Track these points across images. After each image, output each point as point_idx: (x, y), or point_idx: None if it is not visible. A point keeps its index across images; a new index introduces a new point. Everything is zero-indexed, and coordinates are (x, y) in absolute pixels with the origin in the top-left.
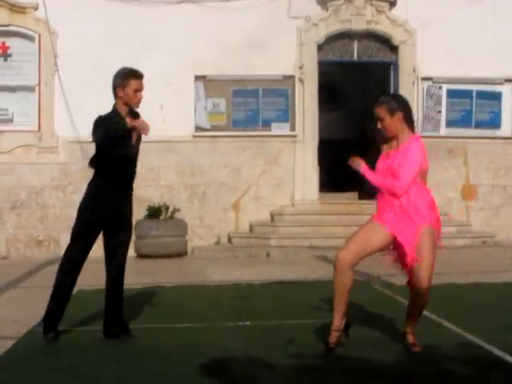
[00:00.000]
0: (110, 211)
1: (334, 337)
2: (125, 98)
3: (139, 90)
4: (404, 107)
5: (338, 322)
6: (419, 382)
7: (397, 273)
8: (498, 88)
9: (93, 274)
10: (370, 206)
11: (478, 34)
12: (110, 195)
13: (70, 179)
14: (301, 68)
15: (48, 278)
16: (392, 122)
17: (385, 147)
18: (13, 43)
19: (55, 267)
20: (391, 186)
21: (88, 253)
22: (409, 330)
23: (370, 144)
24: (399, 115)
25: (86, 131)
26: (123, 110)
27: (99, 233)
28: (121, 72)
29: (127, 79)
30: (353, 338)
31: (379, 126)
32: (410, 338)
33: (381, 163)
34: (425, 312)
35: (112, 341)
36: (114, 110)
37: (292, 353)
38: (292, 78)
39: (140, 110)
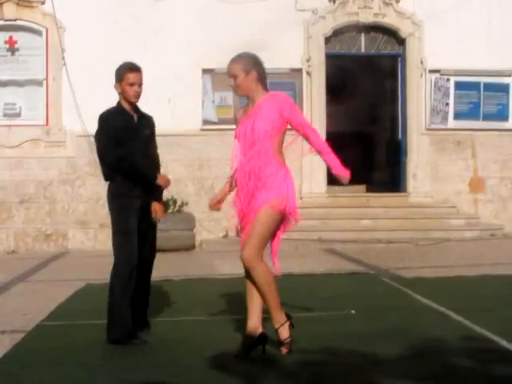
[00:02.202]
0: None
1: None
2: (123, 93)
3: (135, 83)
4: (259, 66)
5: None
6: (425, 374)
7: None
8: (505, 80)
9: (100, 268)
10: (377, 198)
11: (486, 25)
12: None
13: (78, 173)
14: (308, 61)
15: (56, 272)
16: (246, 81)
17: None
18: (20, 37)
19: (63, 261)
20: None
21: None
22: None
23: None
24: (253, 74)
25: (94, 125)
26: (126, 106)
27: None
28: (118, 67)
29: (122, 73)
30: (361, 331)
31: (232, 83)
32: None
33: (241, 127)
34: (433, 304)
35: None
36: (119, 107)
37: (302, 345)
38: (299, 70)
39: (148, 103)
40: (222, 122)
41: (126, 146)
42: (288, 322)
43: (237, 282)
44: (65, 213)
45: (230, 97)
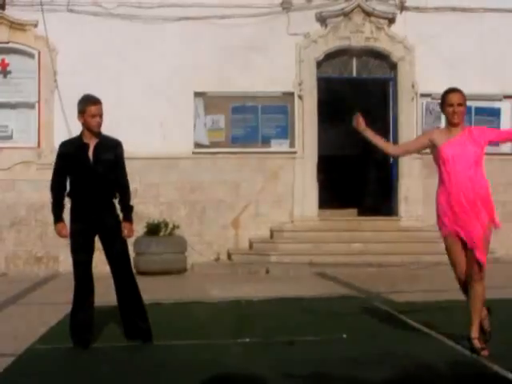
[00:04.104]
0: (89, 223)
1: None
2: (85, 123)
3: (96, 115)
4: None
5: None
6: None
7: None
8: (496, 104)
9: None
10: (369, 222)
11: (477, 50)
12: (82, 212)
13: None
14: (300, 84)
15: (47, 295)
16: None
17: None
18: (12, 60)
19: (54, 284)
20: None
21: (90, 264)
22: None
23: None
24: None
25: None
26: (87, 134)
27: (92, 243)
28: (80, 100)
29: (84, 106)
30: (352, 355)
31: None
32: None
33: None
34: (425, 329)
35: (108, 360)
36: (79, 135)
37: (294, 370)
38: (291, 94)
39: (140, 127)
40: (213, 145)
41: (71, 172)
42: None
43: (228, 306)
44: (56, 236)
45: (221, 120)
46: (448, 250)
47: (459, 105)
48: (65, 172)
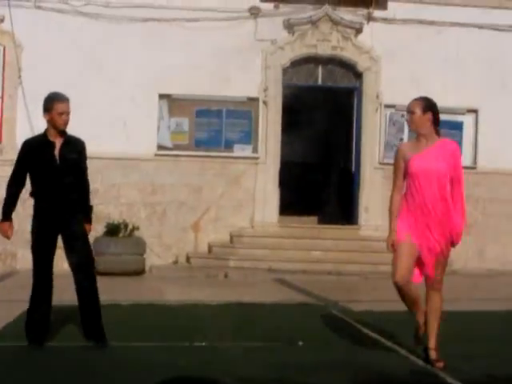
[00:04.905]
0: (52, 224)
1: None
2: (51, 121)
3: (63, 112)
4: (435, 111)
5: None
6: None
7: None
8: (459, 118)
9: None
10: (329, 230)
11: (442, 63)
12: (47, 212)
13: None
14: (265, 90)
15: (4, 292)
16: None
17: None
18: None
19: (11, 281)
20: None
21: (51, 263)
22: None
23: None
24: (429, 115)
25: None
26: (52, 133)
27: (55, 242)
28: (46, 97)
29: (51, 103)
30: (307, 363)
31: (407, 117)
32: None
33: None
34: (381, 338)
35: (63, 360)
36: (44, 133)
37: (246, 375)
38: (256, 100)
39: (103, 125)
40: (176, 147)
41: (35, 170)
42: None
43: (185, 309)
44: (14, 232)
45: (185, 123)
46: (398, 253)
47: (412, 112)
48: (26, 170)
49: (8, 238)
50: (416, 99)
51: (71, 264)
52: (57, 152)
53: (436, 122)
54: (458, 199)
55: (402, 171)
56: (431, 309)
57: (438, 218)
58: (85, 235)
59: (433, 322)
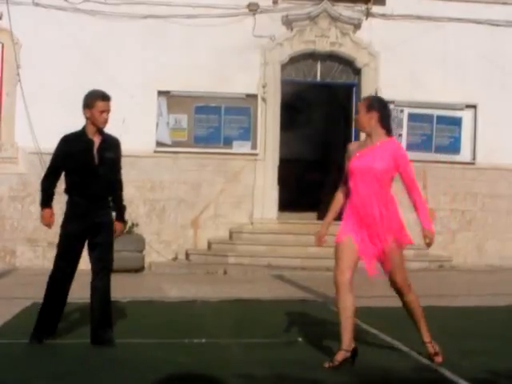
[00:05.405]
0: (85, 223)
1: (340, 355)
2: (91, 118)
3: (105, 111)
4: (381, 109)
5: (346, 341)
6: None
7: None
8: (458, 113)
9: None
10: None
11: (440, 59)
12: (81, 210)
13: (29, 190)
14: (264, 87)
15: (3, 290)
16: (365, 118)
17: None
18: None
19: (11, 279)
20: None
21: (75, 267)
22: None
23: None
24: (374, 114)
25: (47, 142)
26: (91, 130)
27: (83, 242)
28: (88, 94)
29: (94, 101)
30: (308, 358)
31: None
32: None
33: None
34: (380, 334)
35: (63, 356)
36: (83, 130)
37: (246, 372)
38: (255, 96)
39: None
40: (175, 144)
41: (72, 168)
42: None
43: (184, 306)
44: (13, 230)
45: (184, 119)
46: (338, 253)
47: (357, 112)
48: (64, 167)
49: (49, 225)
50: (363, 98)
51: (92, 263)
52: (96, 151)
53: (384, 121)
54: (416, 199)
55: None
56: (410, 311)
57: (375, 219)
58: (111, 240)
59: (418, 320)
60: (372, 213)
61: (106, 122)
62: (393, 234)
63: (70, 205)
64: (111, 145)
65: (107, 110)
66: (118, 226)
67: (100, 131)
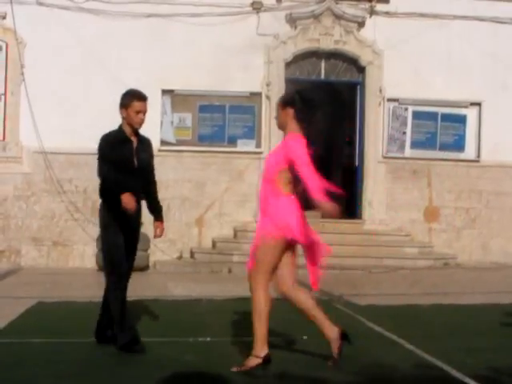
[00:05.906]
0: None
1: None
2: (127, 118)
3: (141, 111)
4: (296, 105)
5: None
6: None
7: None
8: (463, 111)
9: (52, 286)
10: (332, 224)
11: (445, 57)
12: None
13: (34, 190)
14: (268, 85)
15: (8, 289)
16: (281, 115)
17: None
18: None
19: (16, 278)
20: None
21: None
22: None
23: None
24: (289, 110)
25: (51, 142)
26: (127, 129)
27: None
28: (125, 93)
29: (130, 100)
30: (313, 357)
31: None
32: None
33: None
34: (385, 332)
35: (68, 355)
36: (120, 130)
37: (254, 370)
38: (259, 95)
39: (106, 120)
40: (179, 143)
41: (118, 168)
42: (260, 361)
43: (189, 305)
44: (18, 229)
45: (188, 118)
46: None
47: (276, 110)
48: (111, 164)
49: (132, 208)
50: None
51: None
52: (134, 151)
53: (301, 117)
54: (303, 176)
55: None
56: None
57: (264, 211)
58: (136, 244)
59: (253, 323)
60: (263, 206)
61: (141, 122)
62: (264, 229)
63: (109, 205)
64: (146, 145)
65: (143, 111)
66: (159, 225)
67: (136, 131)
